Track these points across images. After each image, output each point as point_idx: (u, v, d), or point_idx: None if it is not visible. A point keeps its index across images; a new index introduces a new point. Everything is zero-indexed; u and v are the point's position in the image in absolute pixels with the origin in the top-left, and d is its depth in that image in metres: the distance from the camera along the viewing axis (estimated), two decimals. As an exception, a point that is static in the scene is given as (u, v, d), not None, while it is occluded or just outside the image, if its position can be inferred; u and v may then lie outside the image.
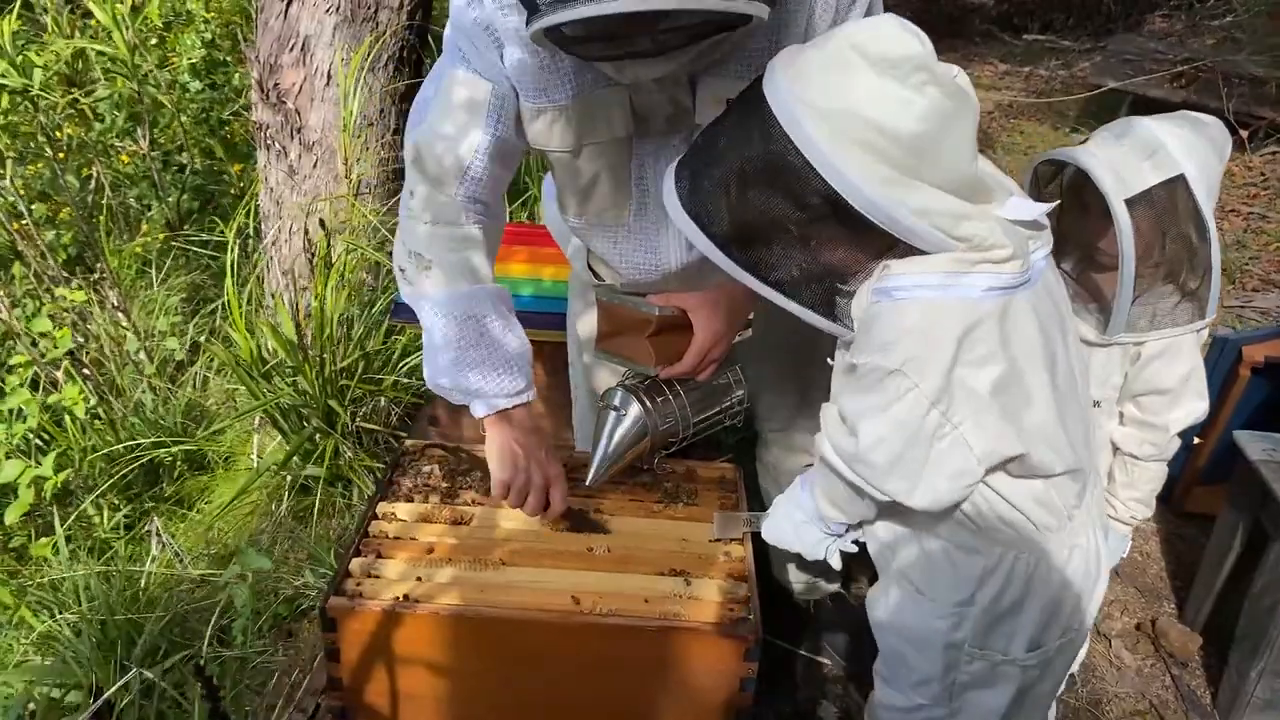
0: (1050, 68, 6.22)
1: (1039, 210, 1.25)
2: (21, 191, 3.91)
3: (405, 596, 1.44)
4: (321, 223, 2.63)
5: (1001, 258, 1.17)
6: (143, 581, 2.53)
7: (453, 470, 1.75)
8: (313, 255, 2.65)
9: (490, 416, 1.56)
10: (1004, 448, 1.24)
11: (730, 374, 1.69)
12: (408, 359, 2.87)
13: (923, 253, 1.16)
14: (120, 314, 3.37)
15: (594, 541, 1.59)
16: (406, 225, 1.56)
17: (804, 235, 1.18)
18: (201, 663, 2.22)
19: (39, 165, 3.90)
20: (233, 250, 2.74)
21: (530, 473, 1.56)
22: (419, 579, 1.48)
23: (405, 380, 2.85)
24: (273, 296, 2.97)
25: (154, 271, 3.77)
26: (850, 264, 1.22)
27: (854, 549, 1.57)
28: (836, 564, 1.56)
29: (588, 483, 1.62)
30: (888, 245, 1.18)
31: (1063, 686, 1.74)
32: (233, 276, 2.71)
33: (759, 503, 2.14)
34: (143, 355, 3.27)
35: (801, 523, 1.52)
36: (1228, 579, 2.23)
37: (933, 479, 1.25)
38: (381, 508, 1.64)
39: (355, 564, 1.50)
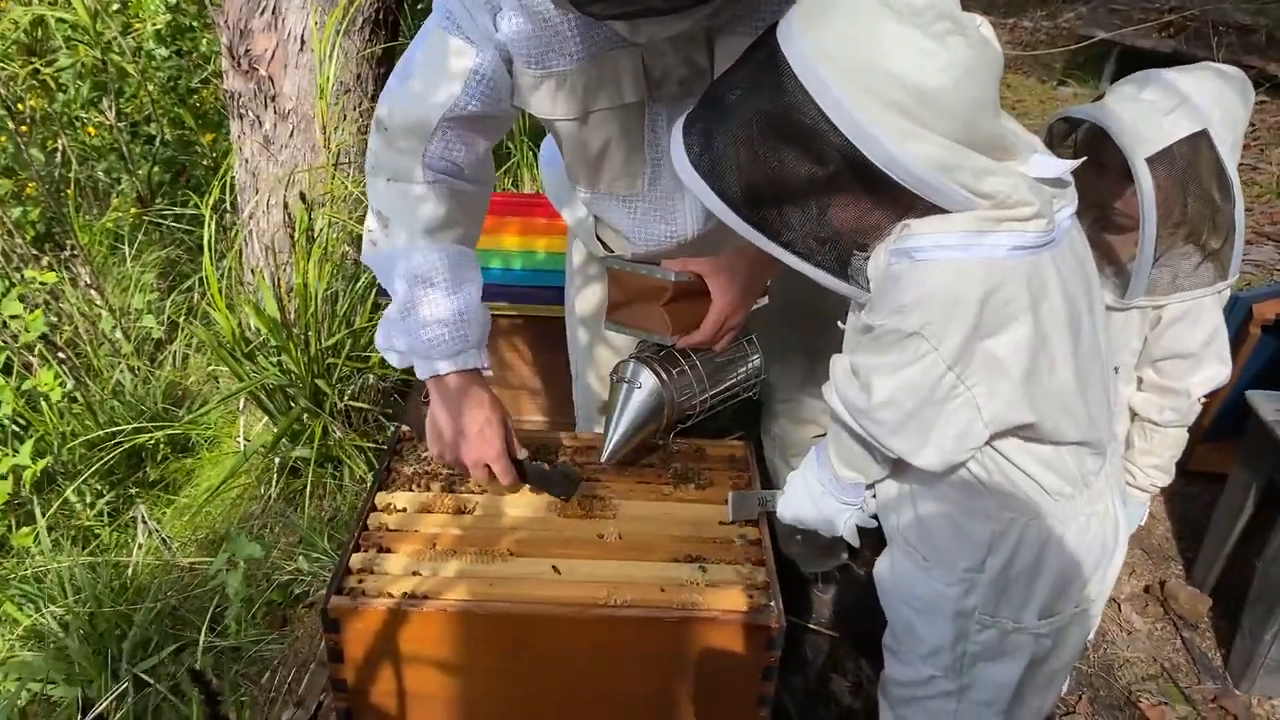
0: (1035, 19, 6.12)
1: (1064, 167, 1.20)
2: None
3: (410, 593, 1.37)
4: (302, 195, 2.51)
5: (1026, 215, 1.12)
6: (130, 571, 2.45)
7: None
8: (293, 229, 2.54)
9: (430, 380, 1.50)
10: (1014, 415, 1.21)
11: (746, 343, 1.62)
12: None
13: (943, 212, 1.11)
14: (94, 292, 3.25)
15: (604, 528, 1.52)
16: (369, 183, 1.49)
17: (820, 193, 1.13)
18: (197, 666, 2.15)
19: (2, 139, 3.73)
20: (209, 225, 2.61)
21: (459, 449, 1.49)
22: (423, 574, 1.40)
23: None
24: (253, 272, 2.86)
25: (126, 247, 3.64)
26: (868, 223, 1.16)
27: (873, 523, 1.51)
28: (854, 539, 1.51)
29: (603, 460, 1.56)
30: (907, 204, 1.12)
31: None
32: (210, 253, 2.59)
33: (768, 478, 2.09)
34: (119, 334, 3.15)
35: (819, 495, 1.47)
36: (1238, 540, 2.20)
37: (940, 439, 1.22)
38: (380, 498, 1.56)
39: (356, 559, 1.42)
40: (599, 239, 1.66)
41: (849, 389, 1.28)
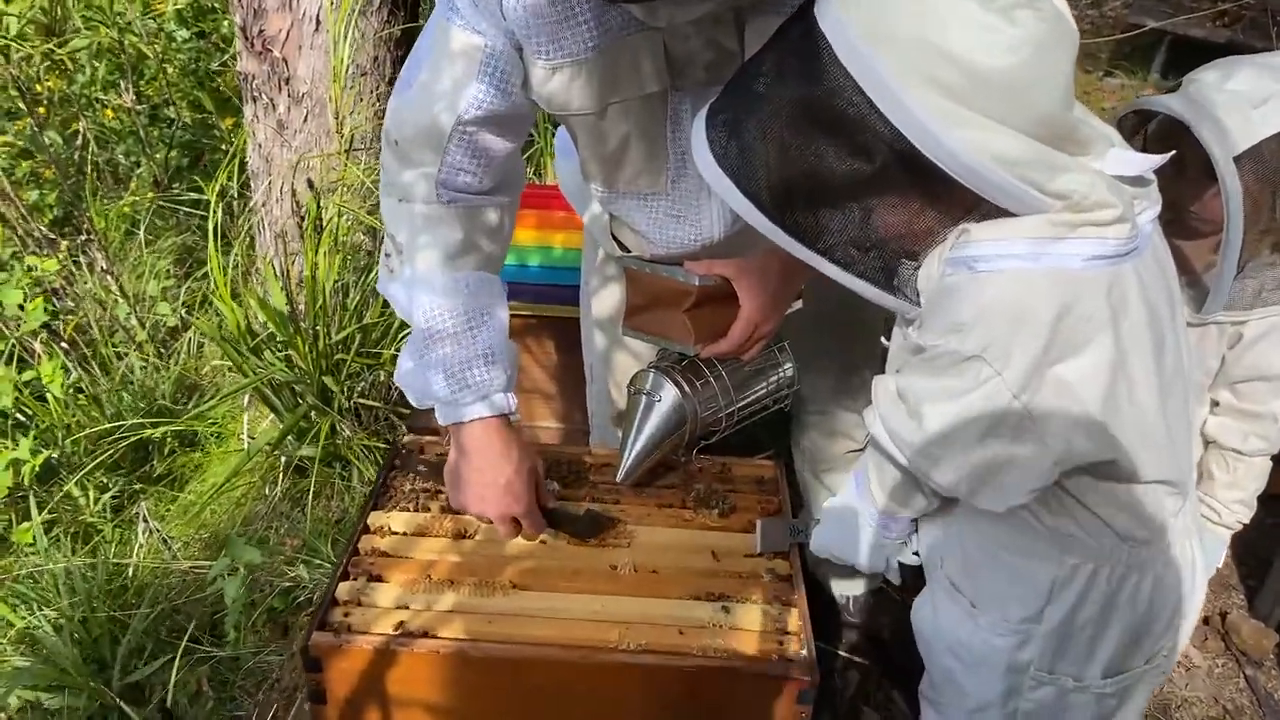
0: (1080, 6, 5.85)
1: (1147, 163, 1.03)
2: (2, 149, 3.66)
3: (401, 629, 1.22)
4: (310, 182, 2.37)
5: (1107, 219, 0.96)
6: (130, 572, 2.34)
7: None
8: (302, 218, 2.40)
9: (454, 428, 1.33)
10: (1088, 451, 1.04)
11: (777, 350, 1.46)
12: (408, 330, 2.62)
13: (1009, 214, 0.96)
14: (109, 278, 3.13)
15: (618, 557, 1.36)
16: (382, 204, 1.33)
17: (864, 194, 0.98)
18: (193, 676, 2.03)
19: (22, 123, 3.63)
20: (215, 213, 2.48)
21: (486, 503, 1.32)
22: (416, 607, 1.26)
23: (406, 353, 2.61)
24: (263, 262, 2.72)
25: (142, 233, 3.53)
26: (920, 228, 1.01)
27: (915, 560, 1.35)
28: (896, 577, 1.35)
29: (618, 479, 1.41)
30: (966, 205, 0.97)
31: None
32: (215, 242, 2.46)
33: (798, 494, 1.92)
34: (134, 321, 3.04)
35: (857, 527, 1.31)
36: (1308, 571, 2.01)
37: (1001, 478, 1.06)
38: (374, 518, 1.41)
39: (343, 589, 1.28)
40: (615, 238, 1.49)
41: (895, 416, 1.11)
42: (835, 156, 0.95)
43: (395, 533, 1.39)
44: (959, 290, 0.99)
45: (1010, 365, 0.98)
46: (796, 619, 1.27)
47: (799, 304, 1.41)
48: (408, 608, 1.25)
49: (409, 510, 1.43)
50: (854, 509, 1.32)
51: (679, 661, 1.19)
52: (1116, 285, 0.98)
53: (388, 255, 1.35)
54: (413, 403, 1.36)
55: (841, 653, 2.02)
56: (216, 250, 2.48)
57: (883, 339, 1.22)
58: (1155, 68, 5.33)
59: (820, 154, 0.96)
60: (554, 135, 1.84)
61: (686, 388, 1.36)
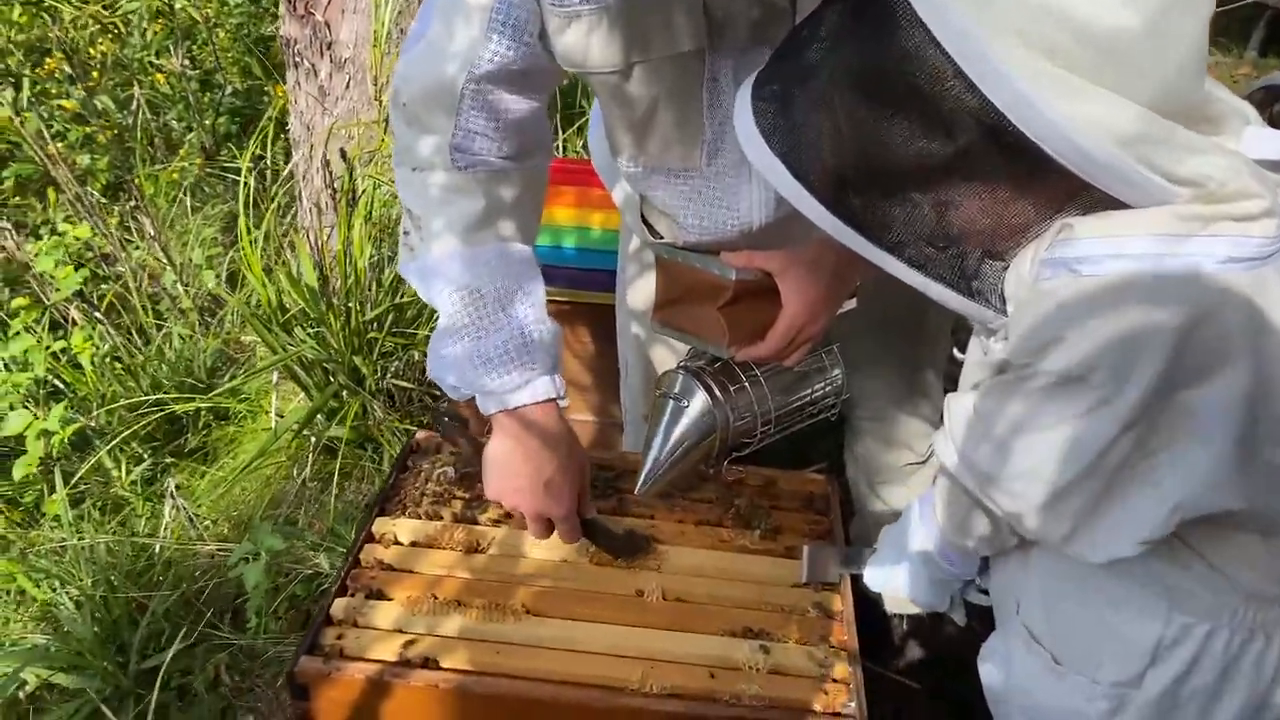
0: (1169, -20, 5.45)
1: None
2: (55, 114, 3.61)
3: (398, 658, 1.08)
4: (342, 152, 2.23)
5: (1251, 213, 0.78)
6: (156, 548, 2.26)
7: (473, 473, 1.37)
8: (335, 190, 2.27)
9: (498, 415, 1.17)
10: (1216, 499, 0.85)
11: (824, 355, 1.28)
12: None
13: (1124, 206, 0.79)
14: (156, 245, 3.06)
15: (645, 581, 1.20)
16: (396, 176, 1.17)
17: (942, 179, 0.82)
18: (211, 664, 1.94)
19: (79, 88, 3.56)
20: (246, 182, 2.36)
21: (524, 498, 1.18)
22: (417, 630, 1.11)
23: (440, 334, 2.48)
24: (296, 235, 2.61)
25: (189, 199, 3.45)
26: (1011, 222, 0.83)
27: (986, 600, 1.17)
28: (961, 619, 1.17)
29: (637, 491, 1.24)
30: (1069, 194, 0.80)
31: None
32: (246, 214, 2.34)
33: (851, 506, 1.74)
34: (179, 289, 2.95)
35: (920, 563, 1.13)
36: None
37: (1103, 527, 0.88)
38: (379, 525, 1.27)
39: (339, 606, 1.14)
40: (646, 221, 1.32)
41: (972, 443, 0.93)
42: (908, 134, 0.80)
43: (401, 543, 1.25)
44: (1058, 297, 0.80)
45: (1122, 392, 0.80)
46: (846, 666, 1.10)
47: (852, 303, 1.23)
48: (408, 631, 1.11)
49: (418, 518, 1.29)
50: (915, 539, 1.14)
51: (708, 710, 1.03)
52: (1260, 294, 0.78)
53: (406, 233, 1.20)
54: (451, 395, 1.21)
55: (891, 675, 1.84)
56: (248, 222, 2.37)
57: (955, 351, 1.03)
58: (1253, 44, 4.96)
59: (889, 131, 0.80)
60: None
61: (718, 392, 1.19)
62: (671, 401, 1.22)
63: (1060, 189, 0.80)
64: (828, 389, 1.30)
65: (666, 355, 1.50)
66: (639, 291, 1.48)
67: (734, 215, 1.16)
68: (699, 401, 1.20)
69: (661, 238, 1.29)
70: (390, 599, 1.16)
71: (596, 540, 1.24)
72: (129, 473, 2.48)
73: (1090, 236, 0.79)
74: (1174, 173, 0.77)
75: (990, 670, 1.12)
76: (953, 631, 1.86)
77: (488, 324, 1.13)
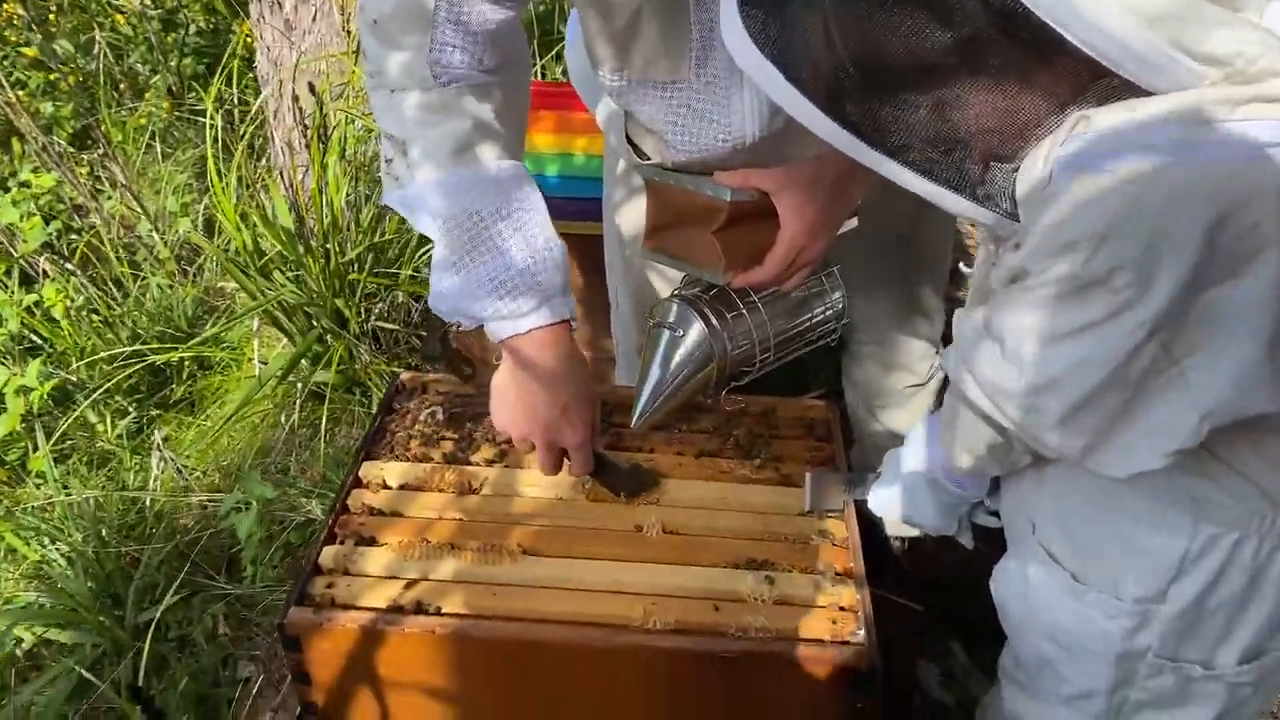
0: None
1: None
2: (14, 61, 3.46)
3: (391, 605, 1.04)
4: (310, 86, 2.13)
5: None
6: (145, 501, 2.22)
7: (462, 413, 1.32)
8: (306, 127, 2.17)
9: (508, 341, 1.10)
10: (1249, 403, 0.79)
11: (824, 277, 1.22)
12: (426, 247, 2.41)
13: (1142, 93, 0.73)
14: (127, 193, 2.95)
15: (643, 516, 1.16)
16: (372, 102, 1.09)
17: (945, 73, 0.76)
18: (209, 614, 1.91)
19: (36, 33, 3.40)
20: (213, 122, 2.25)
21: (538, 426, 1.11)
22: (410, 576, 1.07)
23: (425, 273, 2.40)
24: (268, 176, 2.51)
25: (159, 145, 3.33)
26: (1020, 117, 0.77)
27: (995, 522, 1.13)
28: (969, 542, 1.14)
29: (633, 425, 1.18)
30: (1082, 83, 0.74)
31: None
32: (216, 156, 2.24)
33: (851, 438, 1.70)
34: (155, 238, 2.86)
35: (927, 486, 1.09)
36: None
37: (1127, 440, 0.83)
38: (366, 469, 1.22)
39: (328, 554, 1.10)
40: (631, 142, 1.24)
41: (984, 359, 0.88)
42: (908, 26, 0.73)
43: (390, 487, 1.20)
44: (1075, 196, 0.74)
45: (1147, 293, 0.74)
46: (853, 592, 1.06)
47: (853, 222, 1.16)
48: (400, 577, 1.07)
49: (407, 460, 1.24)
50: (921, 461, 1.10)
51: (714, 645, 1.00)
52: None
53: (389, 161, 1.12)
54: (452, 324, 1.15)
55: (894, 598, 1.82)
56: (218, 164, 2.27)
57: (962, 265, 0.98)
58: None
59: (888, 24, 0.74)
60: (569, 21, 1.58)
61: (715, 321, 1.13)
62: (666, 331, 1.16)
63: (1074, 79, 0.74)
64: (828, 313, 1.25)
65: (659, 284, 1.43)
66: (627, 218, 1.40)
67: (725, 129, 1.08)
68: (695, 330, 1.14)
69: (649, 159, 1.22)
70: (381, 545, 1.11)
71: (604, 476, 1.19)
72: (114, 426, 2.43)
73: (1109, 128, 0.73)
74: (1201, 51, 0.70)
75: (1005, 592, 1.09)
76: (957, 553, 1.84)
77: (488, 247, 1.06)
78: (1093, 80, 0.73)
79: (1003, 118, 0.77)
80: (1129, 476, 0.88)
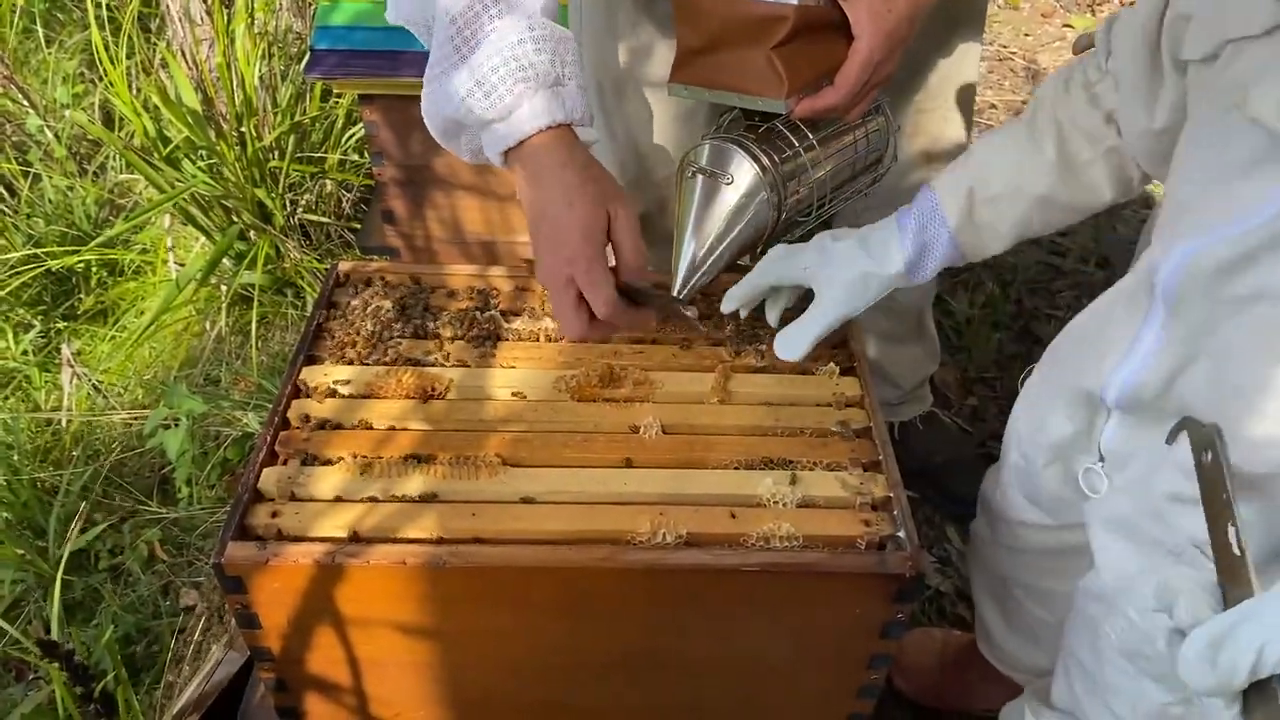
0: None
1: None
2: None
3: (348, 535, 0.85)
4: (205, -61, 1.80)
5: None
6: (61, 422, 1.97)
7: (414, 302, 1.11)
8: (205, -10, 1.85)
9: (512, 152, 0.87)
10: None
11: (880, 111, 1.06)
12: (354, 129, 2.13)
13: None
14: (12, 85, 2.57)
15: (638, 416, 0.98)
16: None
17: None
18: (143, 540, 1.71)
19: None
20: (95, -8, 1.91)
21: (585, 259, 0.86)
22: (370, 495, 0.88)
23: (355, 158, 2.13)
24: (166, 53, 2.17)
25: (41, 30, 2.91)
26: None
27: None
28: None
29: (676, 292, 0.95)
30: None
31: None
32: (97, 32, 1.91)
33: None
34: (46, 133, 2.51)
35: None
36: None
37: None
38: (307, 375, 1.01)
39: (269, 477, 0.90)
40: None
41: None
42: None
43: (337, 394, 0.99)
44: None
45: None
46: (885, 488, 0.91)
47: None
48: (359, 500, 0.88)
49: (355, 363, 1.03)
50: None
51: (736, 558, 0.84)
52: None
53: None
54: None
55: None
56: (103, 39, 1.94)
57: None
58: None
59: None
60: None
61: (766, 161, 0.92)
62: (707, 180, 0.94)
63: None
64: (884, 149, 1.07)
65: (679, 135, 1.20)
66: (634, 51, 1.15)
67: None
68: (746, 176, 0.92)
69: None
70: (332, 463, 0.92)
71: (659, 309, 0.94)
72: (19, 342, 2.15)
73: None
74: None
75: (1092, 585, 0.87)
76: (943, 435, 1.73)
77: (467, 34, 0.83)
78: None
79: None
80: None
